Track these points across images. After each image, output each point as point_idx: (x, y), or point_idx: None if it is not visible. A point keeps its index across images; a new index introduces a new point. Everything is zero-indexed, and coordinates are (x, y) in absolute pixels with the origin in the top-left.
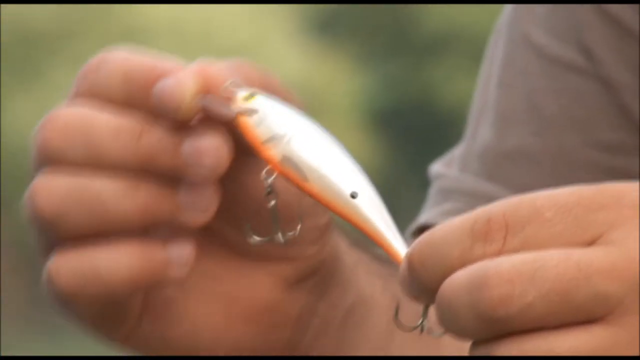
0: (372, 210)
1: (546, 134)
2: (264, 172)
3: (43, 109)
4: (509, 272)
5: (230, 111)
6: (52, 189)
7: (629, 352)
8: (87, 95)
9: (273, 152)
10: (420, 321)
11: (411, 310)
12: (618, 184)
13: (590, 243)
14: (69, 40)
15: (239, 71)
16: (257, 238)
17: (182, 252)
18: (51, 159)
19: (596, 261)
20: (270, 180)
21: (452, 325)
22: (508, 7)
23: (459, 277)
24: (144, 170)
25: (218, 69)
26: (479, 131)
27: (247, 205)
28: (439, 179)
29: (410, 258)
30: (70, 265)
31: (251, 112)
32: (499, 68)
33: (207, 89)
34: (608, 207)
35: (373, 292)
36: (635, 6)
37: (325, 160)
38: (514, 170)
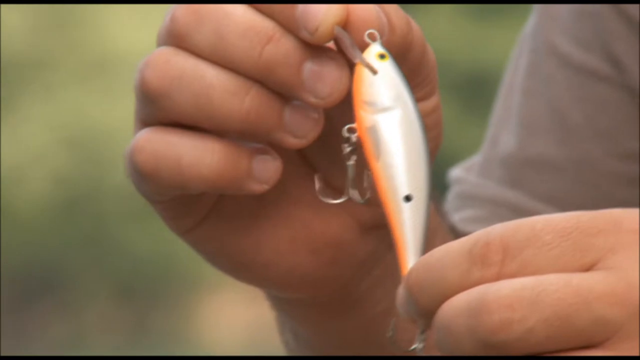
0: (414, 221)
1: (570, 142)
2: (345, 128)
3: (15, 138)
4: (510, 297)
5: (356, 56)
6: (166, 65)
7: None
8: None
9: (366, 115)
10: (416, 344)
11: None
12: (616, 210)
13: (589, 268)
14: (41, 70)
15: (389, 21)
16: (327, 200)
17: (267, 169)
18: (176, 36)
19: (596, 286)
20: (352, 137)
21: (450, 349)
22: (532, 17)
23: (458, 301)
24: (261, 78)
25: (369, 13)
26: (501, 138)
27: (338, 149)
28: (458, 183)
29: (408, 281)
30: (155, 145)
31: (372, 70)
32: (522, 76)
33: (349, 25)
34: (607, 231)
35: None
36: None
37: (405, 152)
38: (537, 178)
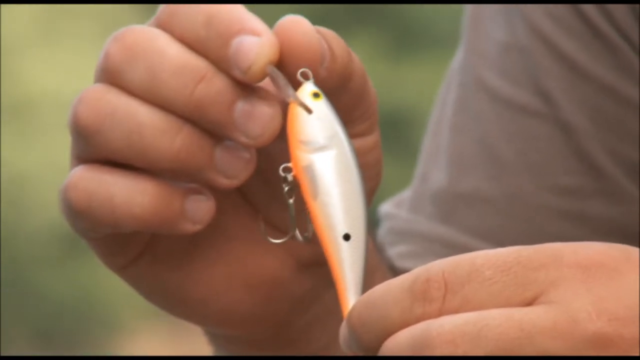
0: (353, 259)
1: (501, 177)
2: (281, 167)
3: None
4: (452, 332)
5: (290, 95)
6: (98, 102)
7: None
8: (166, 24)
9: (302, 155)
10: None
11: None
12: (557, 244)
13: (531, 302)
14: None
15: (321, 50)
16: (272, 240)
17: (200, 209)
18: (109, 72)
19: (537, 321)
20: (288, 177)
21: None
22: (460, 51)
23: (401, 337)
24: (192, 117)
25: (310, 40)
26: (431, 174)
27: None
28: (389, 219)
29: (350, 318)
30: (88, 183)
31: (307, 109)
32: (451, 112)
33: (288, 54)
34: (547, 265)
35: None
36: (590, 48)
37: (342, 190)
38: (468, 213)
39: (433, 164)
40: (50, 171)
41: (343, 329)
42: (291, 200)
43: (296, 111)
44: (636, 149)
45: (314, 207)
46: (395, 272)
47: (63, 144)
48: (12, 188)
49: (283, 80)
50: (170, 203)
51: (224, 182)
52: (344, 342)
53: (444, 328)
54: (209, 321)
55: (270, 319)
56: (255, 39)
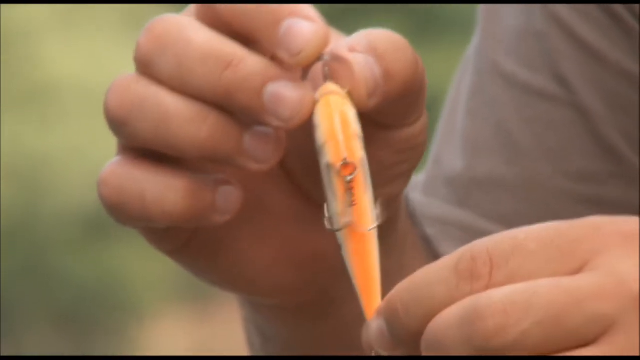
0: (376, 251)
1: (518, 162)
2: (339, 164)
3: None
4: (502, 302)
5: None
6: (127, 92)
7: None
8: (205, 9)
9: (359, 146)
10: None
11: None
12: (594, 217)
13: (576, 272)
14: None
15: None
16: (332, 229)
17: (229, 200)
18: (140, 63)
19: (585, 286)
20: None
21: None
22: (475, 37)
23: (449, 313)
24: (222, 104)
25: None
26: (445, 158)
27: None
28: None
29: (391, 305)
30: (119, 180)
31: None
32: (466, 96)
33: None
34: (589, 237)
35: (413, 265)
36: (607, 32)
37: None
38: (485, 197)
39: (447, 148)
40: (71, 155)
41: (377, 324)
42: (350, 190)
43: (351, 104)
44: None
45: (363, 201)
46: (426, 239)
47: (84, 128)
48: (33, 172)
49: (327, 72)
50: (201, 198)
51: (254, 166)
52: (379, 335)
53: (493, 298)
54: (257, 295)
55: (314, 289)
56: (309, 23)
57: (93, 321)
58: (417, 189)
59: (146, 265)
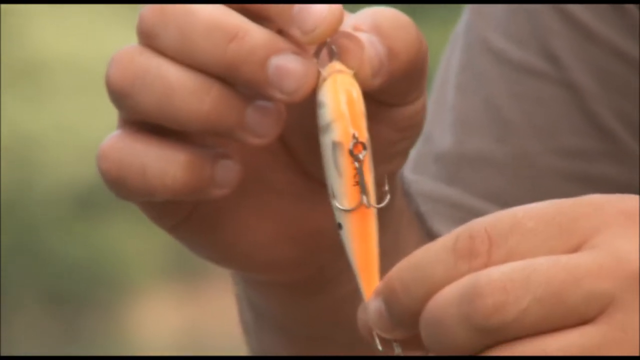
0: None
1: (508, 139)
2: (350, 143)
3: None
4: (501, 280)
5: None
6: (130, 64)
7: (618, 349)
8: None
9: (365, 128)
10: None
11: None
12: (595, 195)
13: (575, 250)
14: None
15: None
16: (344, 208)
17: (229, 175)
18: (144, 35)
19: (584, 264)
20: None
21: (442, 341)
22: (465, 13)
23: (448, 292)
24: (226, 76)
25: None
26: (435, 134)
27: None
28: None
29: (390, 286)
30: (119, 153)
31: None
32: (456, 73)
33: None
34: (588, 215)
35: (408, 242)
36: (597, 9)
37: None
38: (474, 174)
39: (437, 125)
40: (61, 133)
41: (373, 305)
42: (359, 169)
43: (355, 85)
44: None
45: (370, 179)
46: (421, 218)
47: (75, 106)
48: (22, 150)
49: (337, 53)
50: (201, 172)
51: (254, 141)
52: (379, 317)
53: (492, 276)
54: (254, 270)
55: (310, 266)
56: (323, 4)
57: (83, 299)
58: (407, 166)
59: (137, 243)
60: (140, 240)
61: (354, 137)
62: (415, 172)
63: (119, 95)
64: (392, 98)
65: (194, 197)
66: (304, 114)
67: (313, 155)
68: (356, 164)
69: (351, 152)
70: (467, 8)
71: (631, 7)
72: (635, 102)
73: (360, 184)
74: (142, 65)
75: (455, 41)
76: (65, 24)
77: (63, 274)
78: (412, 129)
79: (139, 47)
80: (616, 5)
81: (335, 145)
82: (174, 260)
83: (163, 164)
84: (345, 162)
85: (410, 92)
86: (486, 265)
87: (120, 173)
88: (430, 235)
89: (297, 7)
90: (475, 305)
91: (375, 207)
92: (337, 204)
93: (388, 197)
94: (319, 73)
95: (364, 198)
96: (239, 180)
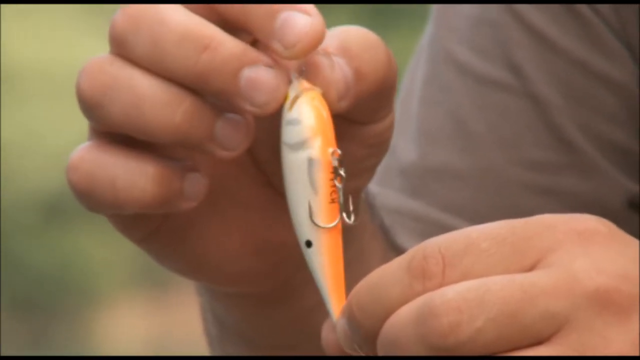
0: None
1: (472, 151)
2: (330, 151)
3: None
4: (455, 300)
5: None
6: (100, 74)
7: None
8: None
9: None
10: None
11: None
12: (546, 215)
13: (530, 269)
14: None
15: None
16: (321, 225)
17: (196, 187)
18: (115, 43)
19: (539, 282)
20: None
21: None
22: (430, 25)
23: (404, 312)
24: (197, 87)
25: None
26: (399, 147)
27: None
28: None
29: (349, 307)
30: (89, 165)
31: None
32: (421, 85)
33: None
34: (542, 234)
35: (372, 256)
36: (561, 21)
37: None
38: (439, 187)
39: (401, 137)
40: (30, 140)
41: (340, 323)
42: (341, 184)
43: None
44: (607, 123)
45: (342, 195)
46: (384, 230)
47: (43, 113)
48: None
49: (304, 72)
50: (170, 185)
51: (223, 153)
52: (342, 336)
53: (447, 296)
54: (221, 283)
55: (275, 279)
56: (305, 17)
57: (51, 306)
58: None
59: (104, 252)
60: (109, 248)
61: (333, 154)
62: (379, 184)
63: (89, 106)
64: (360, 117)
65: (163, 210)
66: (272, 128)
67: (280, 169)
68: (336, 182)
69: (336, 169)
70: (432, 20)
71: (595, 20)
72: (599, 115)
73: (340, 201)
74: (113, 75)
75: (419, 53)
76: (35, 31)
77: (31, 282)
78: (381, 146)
79: (110, 56)
80: (579, 16)
81: (312, 162)
82: (143, 269)
83: (132, 176)
84: (323, 178)
85: (379, 110)
86: (440, 285)
87: (89, 186)
88: (394, 249)
89: (279, 20)
90: (430, 325)
91: (354, 224)
92: (317, 221)
93: (356, 215)
94: (287, 90)
95: (344, 215)
96: (205, 193)
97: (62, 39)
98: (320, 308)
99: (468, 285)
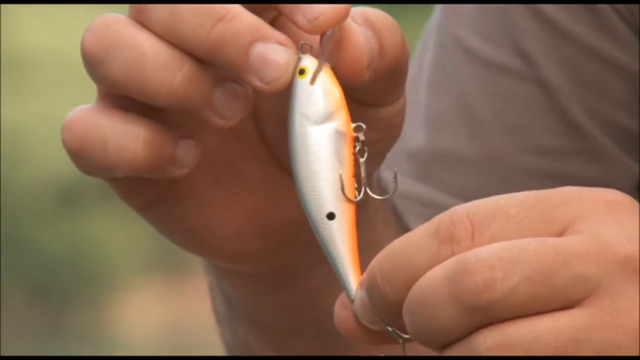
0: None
1: (480, 137)
2: (353, 125)
3: None
4: (490, 258)
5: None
6: (105, 31)
7: (606, 333)
8: None
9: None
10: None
11: None
12: (571, 187)
13: (559, 235)
14: None
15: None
16: (349, 197)
17: (189, 155)
18: (134, 9)
19: (571, 246)
20: (360, 136)
21: (428, 325)
22: (437, 11)
23: (434, 273)
24: (208, 56)
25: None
26: (407, 132)
27: None
28: None
29: (370, 277)
30: (82, 125)
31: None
32: (428, 71)
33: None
34: (569, 202)
35: (384, 240)
36: (570, 7)
37: None
38: (447, 172)
39: (410, 123)
40: (45, 126)
41: (360, 296)
42: (362, 159)
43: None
44: (615, 108)
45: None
46: (397, 213)
47: (57, 99)
48: (7, 143)
49: (332, 45)
50: (162, 150)
51: (219, 122)
52: (362, 308)
53: (481, 254)
54: (222, 259)
55: (279, 259)
56: None
57: (66, 292)
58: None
59: (119, 238)
60: (124, 234)
61: (357, 128)
62: (388, 170)
63: (91, 62)
64: (373, 98)
65: (155, 175)
66: (281, 104)
67: (285, 150)
68: (359, 156)
69: (364, 142)
70: (439, 6)
71: (604, 7)
72: (608, 100)
73: (363, 175)
74: (117, 33)
75: (426, 39)
76: (49, 17)
77: (46, 268)
78: (391, 130)
79: (116, 15)
80: (589, 5)
81: (339, 134)
82: (158, 255)
83: (123, 138)
84: (348, 152)
85: (391, 92)
86: (470, 249)
87: (82, 146)
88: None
89: None
90: (464, 283)
91: (378, 197)
92: (344, 192)
93: (368, 191)
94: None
95: (368, 190)
96: (198, 160)
97: (76, 26)
98: (325, 291)
99: (502, 245)
